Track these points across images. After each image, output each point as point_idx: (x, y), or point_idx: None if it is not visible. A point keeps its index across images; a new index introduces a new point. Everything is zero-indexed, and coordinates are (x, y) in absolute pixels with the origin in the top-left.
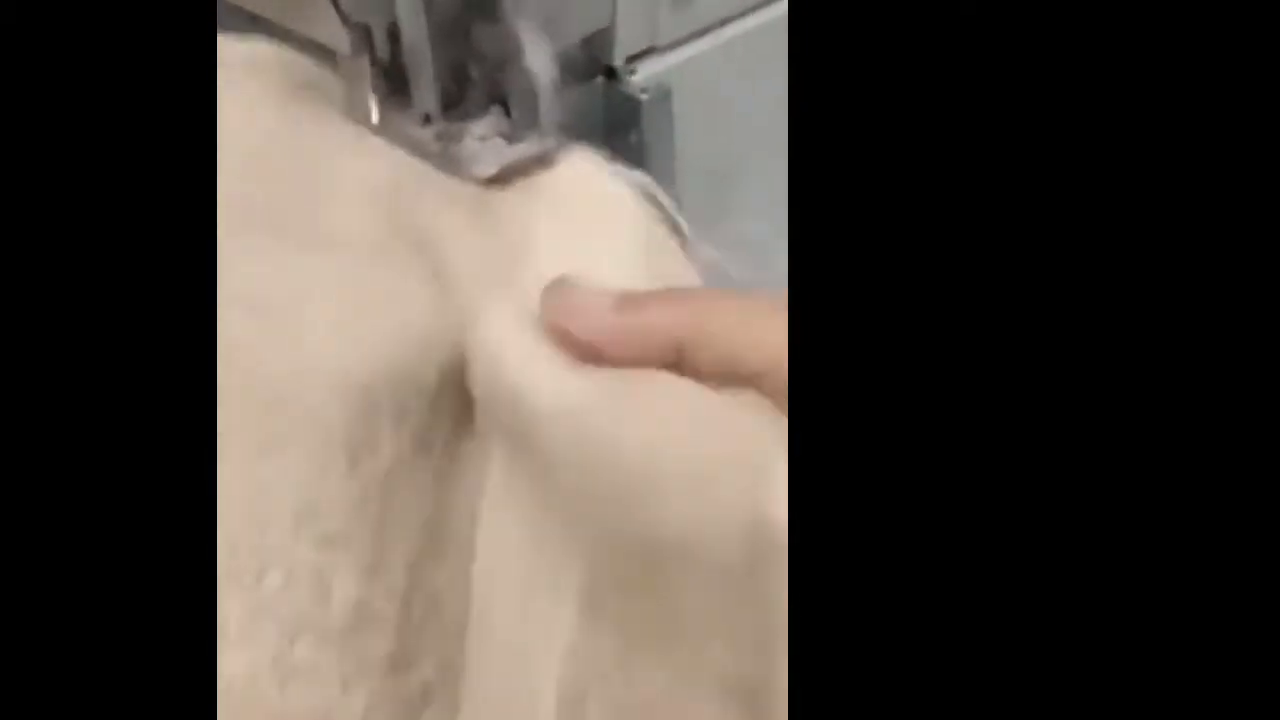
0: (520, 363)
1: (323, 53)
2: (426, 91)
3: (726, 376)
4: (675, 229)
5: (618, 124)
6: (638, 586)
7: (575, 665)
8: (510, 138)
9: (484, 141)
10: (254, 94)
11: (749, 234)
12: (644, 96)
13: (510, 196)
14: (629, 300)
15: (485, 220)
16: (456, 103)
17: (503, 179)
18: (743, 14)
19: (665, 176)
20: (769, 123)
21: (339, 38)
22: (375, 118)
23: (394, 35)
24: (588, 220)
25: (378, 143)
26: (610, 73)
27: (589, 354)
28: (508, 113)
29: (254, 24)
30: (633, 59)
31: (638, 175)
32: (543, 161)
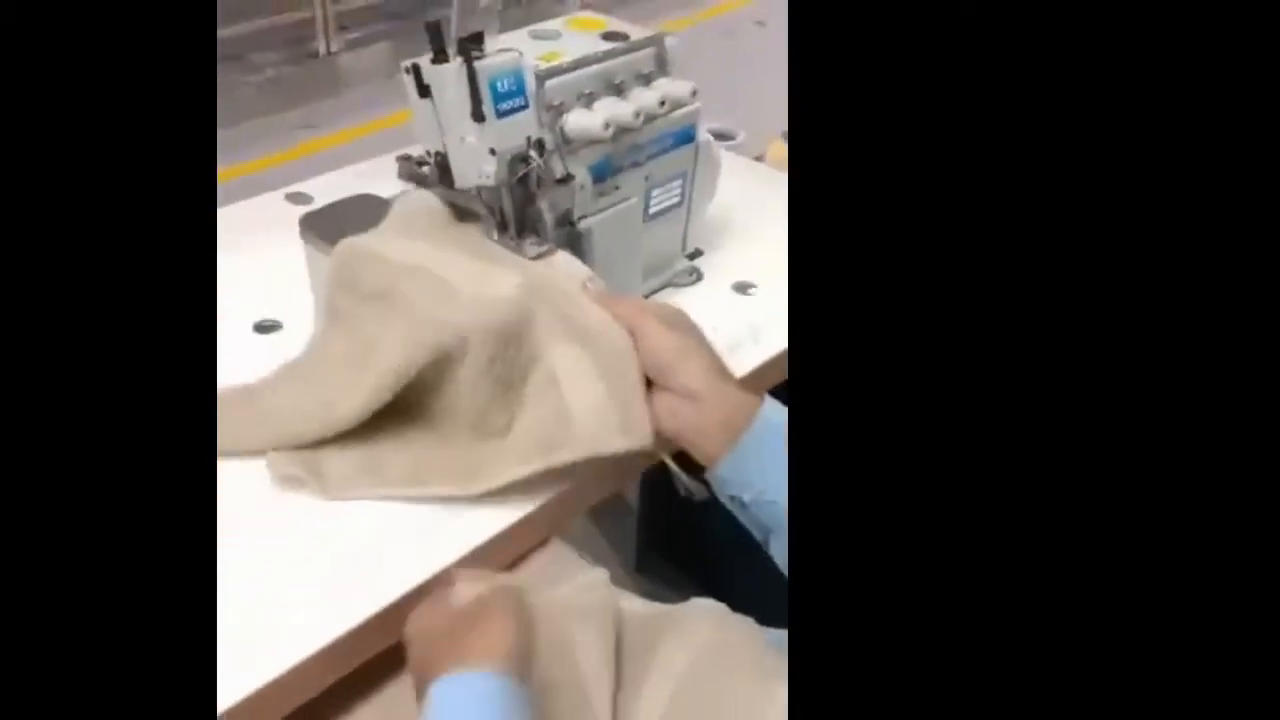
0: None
1: (472, 215)
2: (512, 227)
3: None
4: (593, 280)
5: (576, 240)
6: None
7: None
8: (539, 245)
9: (530, 245)
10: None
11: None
12: (585, 230)
13: (538, 264)
14: (604, 294)
15: (528, 271)
16: (521, 232)
17: (535, 258)
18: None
19: (591, 262)
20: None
21: (480, 208)
22: (495, 235)
23: (503, 209)
24: (565, 274)
25: (493, 244)
26: (573, 224)
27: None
28: (537, 235)
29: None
30: (580, 218)
31: (579, 262)
32: (550, 253)
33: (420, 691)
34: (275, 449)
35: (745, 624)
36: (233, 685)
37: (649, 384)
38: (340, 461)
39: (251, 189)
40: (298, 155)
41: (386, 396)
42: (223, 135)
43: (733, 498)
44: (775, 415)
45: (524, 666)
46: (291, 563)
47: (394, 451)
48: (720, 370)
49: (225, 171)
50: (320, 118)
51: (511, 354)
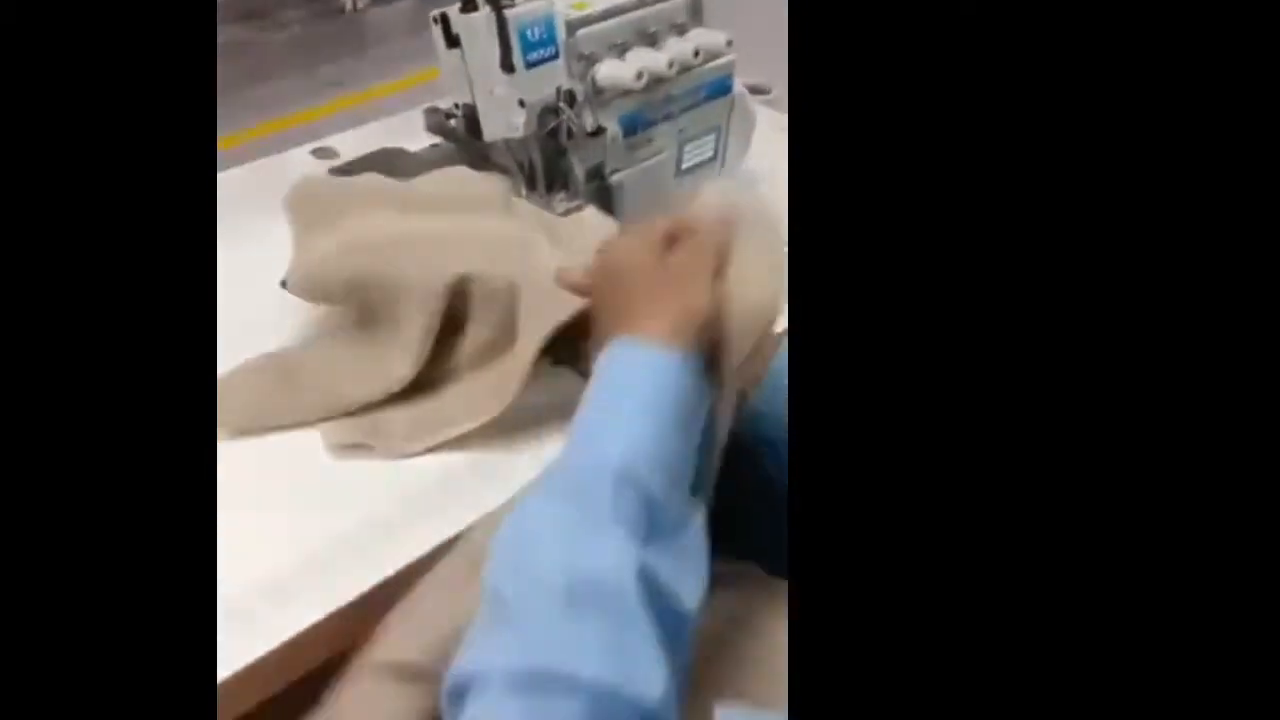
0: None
1: (501, 169)
2: (542, 182)
3: None
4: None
5: (607, 195)
6: None
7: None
8: (568, 201)
9: (560, 201)
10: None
11: None
12: (616, 185)
13: (566, 220)
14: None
15: (554, 227)
16: (550, 187)
17: (564, 214)
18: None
19: (621, 218)
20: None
21: (511, 165)
22: (524, 191)
23: (532, 163)
24: (592, 227)
25: (521, 201)
26: (603, 179)
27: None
28: (567, 190)
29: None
30: (612, 173)
31: (609, 219)
32: (579, 209)
33: (597, 336)
34: (326, 417)
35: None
36: (232, 653)
37: None
38: (397, 419)
39: (281, 146)
40: (328, 113)
41: (429, 342)
42: (251, 93)
43: (765, 437)
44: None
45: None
46: (293, 532)
47: (441, 397)
48: None
49: (254, 129)
50: (348, 74)
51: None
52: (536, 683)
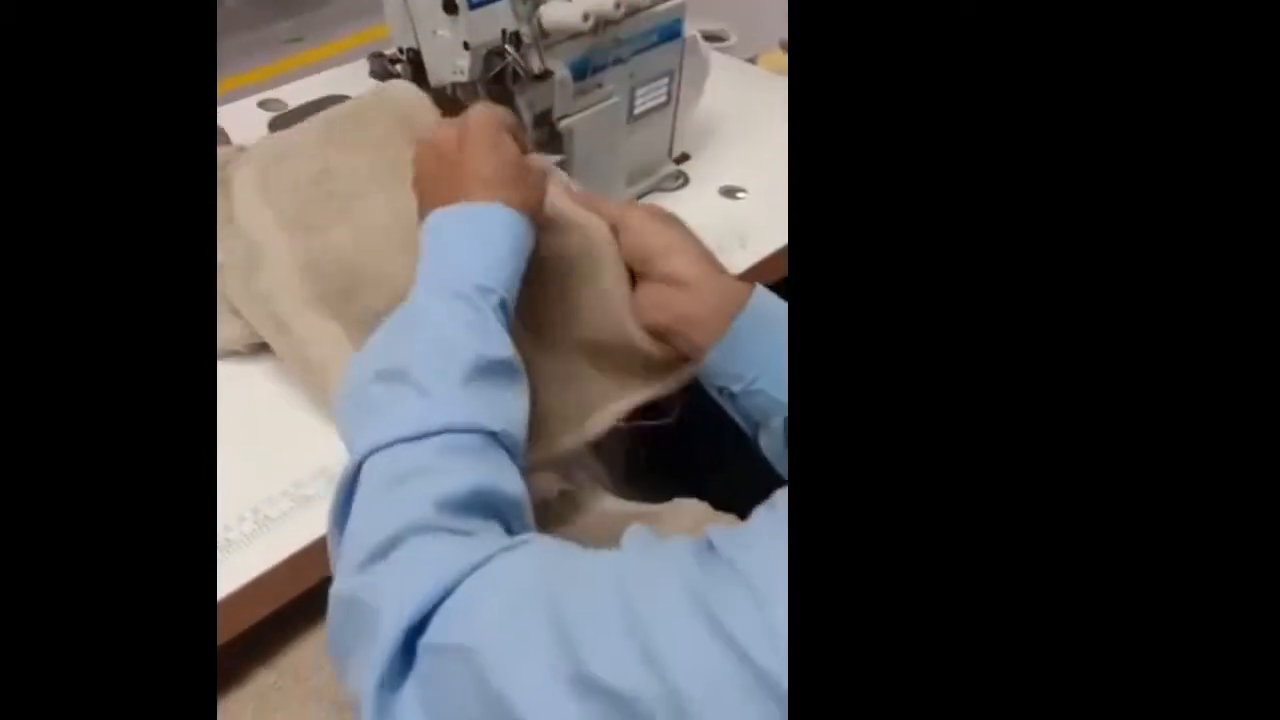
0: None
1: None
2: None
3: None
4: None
5: (556, 141)
6: None
7: None
8: None
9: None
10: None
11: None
12: (565, 131)
13: None
14: (587, 195)
15: None
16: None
17: None
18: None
19: (571, 165)
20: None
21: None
22: None
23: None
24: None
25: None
26: (553, 125)
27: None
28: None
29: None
30: (561, 118)
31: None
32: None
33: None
34: None
35: (726, 519)
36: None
37: (633, 280)
38: None
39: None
40: (287, 68)
41: None
42: None
43: (722, 389)
44: (767, 303)
45: (514, 197)
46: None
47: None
48: (711, 259)
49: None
50: (308, 29)
51: None
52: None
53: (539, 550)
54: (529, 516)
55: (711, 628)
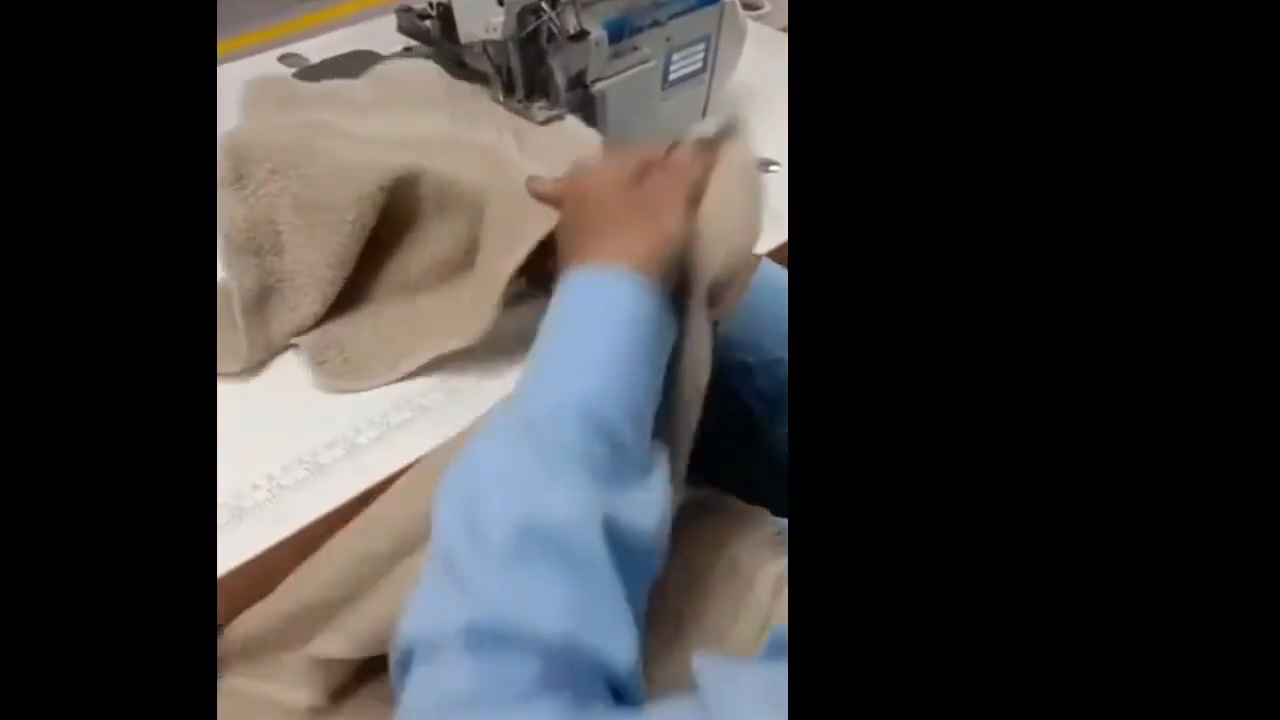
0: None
1: (479, 75)
2: (520, 89)
3: None
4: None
5: (590, 104)
6: None
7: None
8: (548, 109)
9: (539, 109)
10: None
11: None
12: (599, 94)
13: (545, 129)
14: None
15: (522, 132)
16: (530, 94)
17: (544, 123)
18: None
19: (604, 129)
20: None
21: (489, 70)
22: (501, 97)
23: (510, 68)
24: (574, 135)
25: (499, 108)
26: (586, 87)
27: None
28: (547, 98)
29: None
30: (595, 81)
31: (591, 130)
32: (559, 119)
33: (562, 258)
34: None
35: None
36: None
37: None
38: (361, 337)
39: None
40: (302, 26)
41: (362, 238)
42: (222, 6)
43: (740, 363)
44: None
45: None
46: (260, 454)
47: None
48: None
49: (227, 43)
50: None
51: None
52: (490, 640)
53: None
54: None
55: None
